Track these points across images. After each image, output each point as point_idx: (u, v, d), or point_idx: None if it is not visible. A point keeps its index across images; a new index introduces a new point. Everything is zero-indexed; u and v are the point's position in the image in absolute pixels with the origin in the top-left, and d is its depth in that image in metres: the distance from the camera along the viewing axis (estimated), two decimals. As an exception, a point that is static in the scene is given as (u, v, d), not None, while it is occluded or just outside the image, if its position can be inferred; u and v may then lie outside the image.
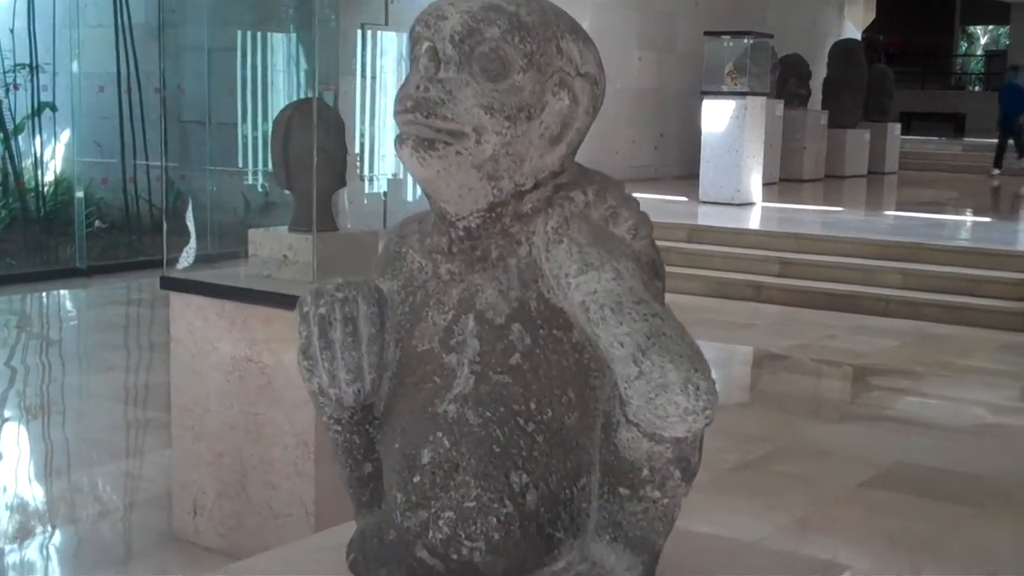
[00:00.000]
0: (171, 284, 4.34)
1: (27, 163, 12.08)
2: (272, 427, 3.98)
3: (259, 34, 8.17)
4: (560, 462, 1.62)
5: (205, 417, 4.18)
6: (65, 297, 10.06)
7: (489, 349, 1.63)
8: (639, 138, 16.86)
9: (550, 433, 1.61)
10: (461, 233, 1.67)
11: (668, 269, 1.80)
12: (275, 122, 4.25)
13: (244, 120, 8.14)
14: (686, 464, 1.60)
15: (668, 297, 1.71)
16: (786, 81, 17.38)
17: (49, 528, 4.64)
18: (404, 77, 1.67)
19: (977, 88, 35.19)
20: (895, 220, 13.17)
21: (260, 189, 8.53)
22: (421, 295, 1.71)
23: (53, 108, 12.16)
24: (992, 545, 4.64)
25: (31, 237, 11.57)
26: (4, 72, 11.91)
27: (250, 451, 4.05)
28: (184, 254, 5.08)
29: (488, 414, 1.61)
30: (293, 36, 8.45)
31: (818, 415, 6.73)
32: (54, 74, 12.26)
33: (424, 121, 1.58)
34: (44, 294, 9.96)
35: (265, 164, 7.26)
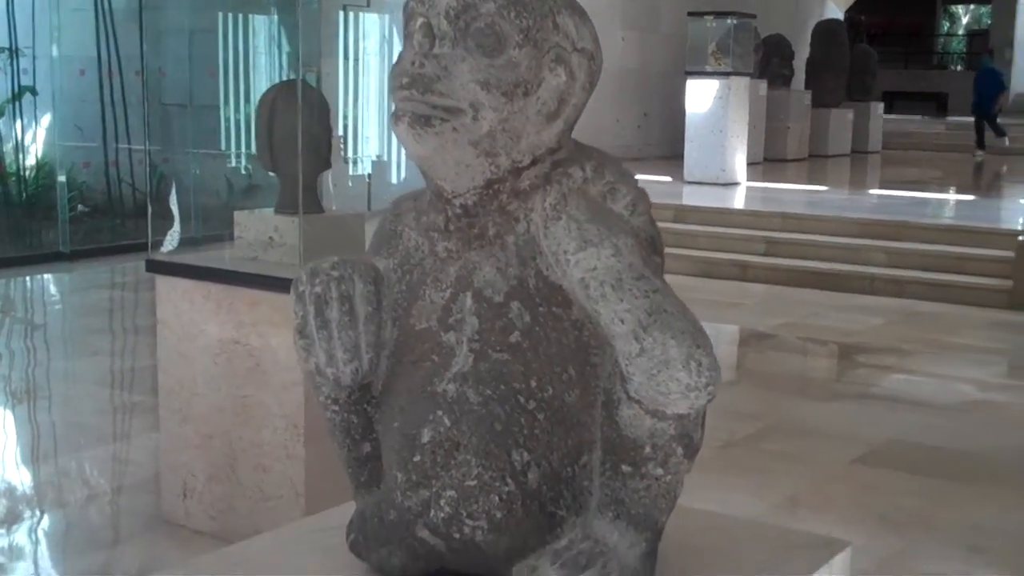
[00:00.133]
0: (157, 267, 4.32)
1: (8, 147, 12.00)
2: (261, 409, 3.96)
3: (240, 16, 8.11)
4: (561, 440, 1.60)
5: (193, 400, 4.16)
6: (49, 281, 10.01)
7: (488, 327, 1.61)
8: (623, 117, 16.85)
9: (551, 411, 1.60)
10: (458, 211, 1.65)
11: (653, 250, 1.78)
12: (259, 104, 4.22)
13: (227, 103, 8.08)
14: (688, 441, 1.58)
15: (655, 280, 1.69)
16: (769, 61, 17.40)
17: (37, 513, 4.62)
18: (397, 55, 1.65)
19: (959, 68, 35.27)
20: (879, 199, 13.20)
21: (244, 172, 8.48)
22: (418, 273, 1.69)
23: (34, 92, 12.07)
24: (982, 521, 4.65)
25: (13, 222, 11.50)
26: (-17, 56, 11.84)
27: (239, 433, 4.03)
28: (168, 237, 5.04)
29: (488, 392, 1.59)
30: (275, 18, 8.40)
31: (806, 393, 6.74)
32: (34, 58, 12.17)
33: (420, 98, 1.56)
34: (28, 279, 9.91)
35: (248, 147, 7.22)
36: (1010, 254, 9.38)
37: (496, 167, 1.61)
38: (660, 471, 1.58)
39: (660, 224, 1.71)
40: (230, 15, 8.13)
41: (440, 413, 1.61)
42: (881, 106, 20.37)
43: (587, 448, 1.62)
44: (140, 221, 7.51)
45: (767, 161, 16.39)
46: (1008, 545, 4.48)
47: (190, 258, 4.37)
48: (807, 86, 18.72)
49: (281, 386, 3.88)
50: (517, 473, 1.59)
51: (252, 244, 4.14)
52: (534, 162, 1.63)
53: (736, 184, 13.75)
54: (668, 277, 1.62)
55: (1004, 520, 4.70)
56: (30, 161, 12.33)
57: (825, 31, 19.24)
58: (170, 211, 6.31)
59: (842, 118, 18.81)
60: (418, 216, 1.72)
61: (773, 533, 2.08)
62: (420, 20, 1.59)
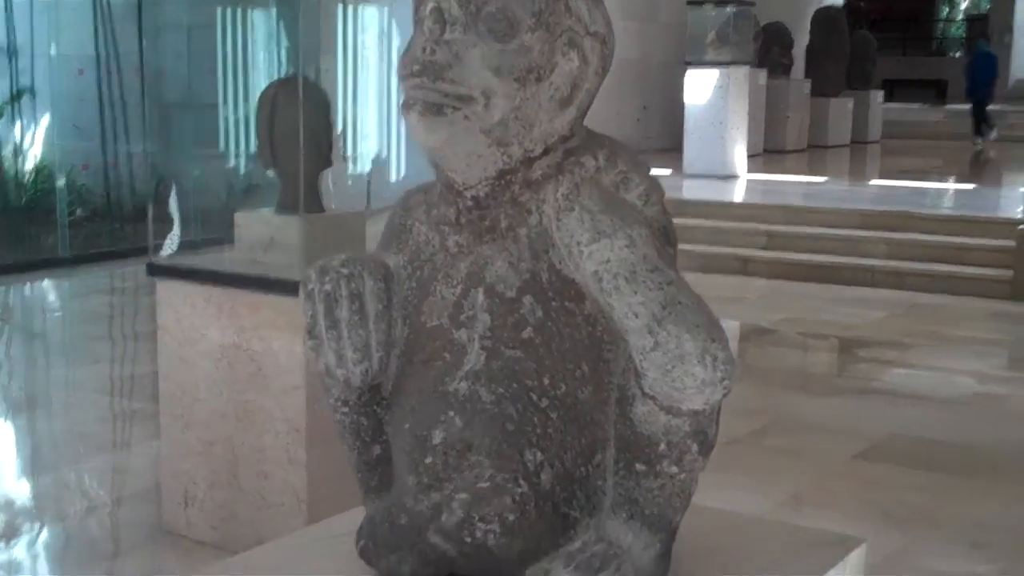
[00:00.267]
0: (157, 271, 4.29)
1: (6, 151, 11.96)
2: (263, 414, 3.93)
3: (239, 11, 8.07)
4: (575, 439, 1.57)
5: (194, 406, 4.13)
6: (48, 287, 9.98)
7: (500, 323, 1.58)
8: (623, 109, 16.79)
9: (564, 409, 1.56)
10: (469, 203, 1.61)
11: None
12: (259, 100, 4.19)
13: (225, 101, 8.05)
14: (703, 437, 1.55)
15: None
16: (769, 50, 17.29)
17: (36, 525, 4.55)
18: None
19: (958, 54, 35.11)
20: (879, 189, 13.13)
21: (242, 171, 8.45)
22: (428, 269, 1.66)
23: (32, 94, 12.02)
24: (984, 516, 4.65)
25: (12, 227, 11.45)
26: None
27: (241, 439, 4.00)
28: (168, 240, 5.01)
29: (501, 391, 1.56)
30: (273, 12, 8.35)
31: (807, 388, 6.73)
32: (32, 57, 12.12)
33: (431, 85, 1.53)
34: (27, 285, 9.87)
35: (248, 145, 7.19)
36: (1011, 243, 9.34)
37: (508, 157, 1.58)
38: (675, 469, 1.55)
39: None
40: (228, 10, 8.09)
41: (452, 413, 1.58)
42: (881, 94, 20.23)
43: (600, 447, 1.59)
44: (139, 224, 7.48)
45: (767, 152, 16.33)
46: (1010, 541, 4.46)
47: (191, 261, 4.32)
48: (807, 75, 18.60)
49: (283, 390, 3.86)
50: (530, 474, 1.55)
51: (252, 245, 4.11)
52: (546, 151, 1.60)
53: (736, 177, 13.70)
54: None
55: (1005, 516, 4.68)
56: (29, 165, 12.29)
57: (825, 18, 19.10)
58: (169, 214, 6.29)
59: (842, 107, 18.70)
60: (428, 209, 1.68)
61: (785, 531, 2.05)
62: (431, 5, 1.55)
